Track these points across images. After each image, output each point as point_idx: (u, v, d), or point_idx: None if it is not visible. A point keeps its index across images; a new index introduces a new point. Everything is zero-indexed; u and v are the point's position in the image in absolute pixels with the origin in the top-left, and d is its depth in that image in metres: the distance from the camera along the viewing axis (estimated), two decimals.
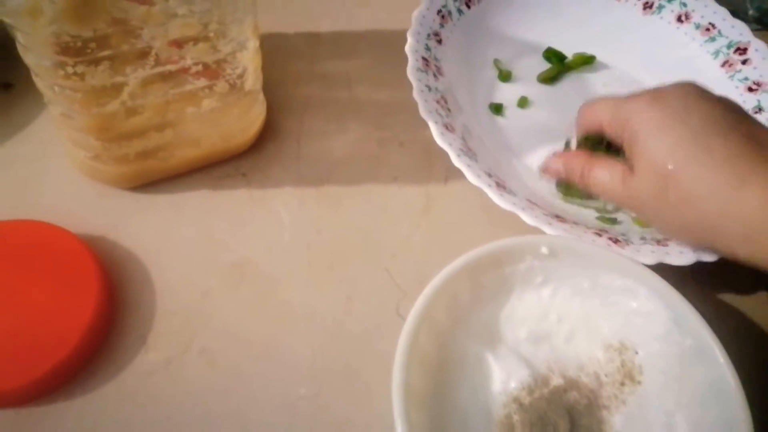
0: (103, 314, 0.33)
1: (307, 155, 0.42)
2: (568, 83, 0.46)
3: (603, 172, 0.35)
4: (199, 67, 0.33)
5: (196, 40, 0.31)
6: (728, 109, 0.34)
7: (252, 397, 0.33)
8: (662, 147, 0.32)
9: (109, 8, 0.27)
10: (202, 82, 0.34)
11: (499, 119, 0.44)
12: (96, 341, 0.33)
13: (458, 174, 0.37)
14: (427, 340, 0.31)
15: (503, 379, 0.32)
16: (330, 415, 0.33)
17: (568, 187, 0.39)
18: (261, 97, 0.39)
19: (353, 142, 0.43)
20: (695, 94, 0.34)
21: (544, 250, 0.33)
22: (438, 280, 0.31)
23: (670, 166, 0.32)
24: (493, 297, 0.34)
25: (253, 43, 0.35)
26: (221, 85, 0.35)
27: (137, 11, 0.28)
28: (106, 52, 0.29)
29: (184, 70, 0.33)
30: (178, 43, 0.31)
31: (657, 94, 0.34)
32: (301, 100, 0.44)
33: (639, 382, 0.33)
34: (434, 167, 0.42)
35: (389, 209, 0.40)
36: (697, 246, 0.35)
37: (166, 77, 0.33)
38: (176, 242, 0.37)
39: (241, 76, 0.35)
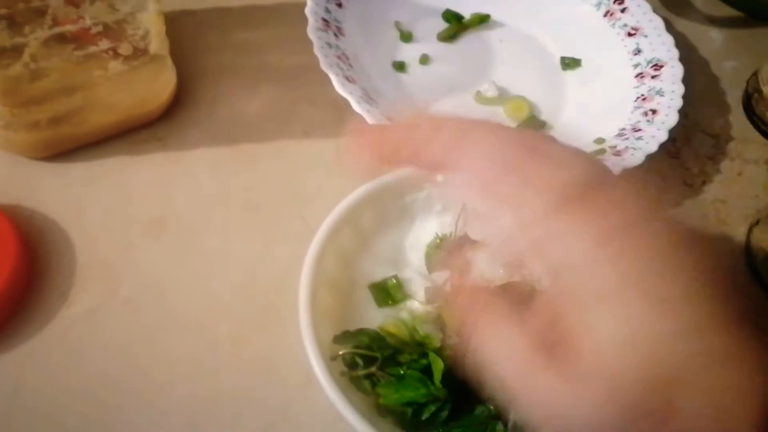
0: (21, 274, 0.34)
1: (221, 118, 0.43)
2: (467, 40, 0.50)
3: (504, 335, 0.20)
4: (99, 28, 0.34)
5: None
6: (696, 260, 0.19)
7: (175, 338, 0.35)
8: (636, 338, 0.18)
9: None
10: (105, 43, 0.35)
11: (402, 76, 0.47)
12: (15, 300, 0.34)
13: None
14: (334, 264, 0.33)
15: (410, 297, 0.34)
16: (251, 350, 0.35)
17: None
18: (169, 62, 0.41)
19: (265, 104, 0.45)
20: (667, 239, 0.19)
21: (440, 178, 0.35)
22: (340, 208, 0.33)
23: (658, 373, 0.18)
24: (397, 224, 0.36)
25: (153, 5, 0.36)
26: (125, 47, 0.36)
27: None
28: (1, 11, 0.30)
29: (85, 31, 0.34)
30: (75, 2, 0.32)
31: (611, 236, 0.19)
32: (214, 68, 0.46)
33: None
34: (344, 121, 0.44)
35: (302, 162, 0.42)
36: None
37: (68, 39, 0.34)
38: (95, 205, 0.39)
39: (143, 38, 0.37)
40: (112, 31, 0.35)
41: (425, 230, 0.37)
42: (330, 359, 0.29)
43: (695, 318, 0.18)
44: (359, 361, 0.30)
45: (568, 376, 0.18)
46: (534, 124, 0.45)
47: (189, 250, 0.37)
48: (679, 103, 0.43)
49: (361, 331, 0.31)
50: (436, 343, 0.30)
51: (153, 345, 0.34)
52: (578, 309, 0.18)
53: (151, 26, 0.37)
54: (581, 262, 0.18)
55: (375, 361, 0.29)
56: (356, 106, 0.39)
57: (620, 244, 0.18)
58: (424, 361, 0.30)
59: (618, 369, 0.18)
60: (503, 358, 0.20)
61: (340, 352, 0.30)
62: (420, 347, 0.31)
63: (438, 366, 0.29)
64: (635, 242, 0.19)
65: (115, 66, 0.37)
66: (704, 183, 0.45)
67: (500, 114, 0.46)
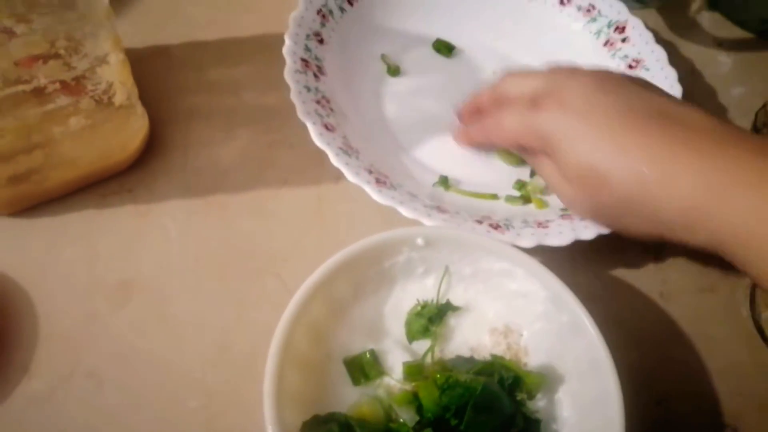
0: None
1: (194, 166, 0.41)
2: (459, 72, 0.47)
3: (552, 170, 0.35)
4: (57, 86, 0.32)
5: (45, 58, 0.31)
6: (629, 91, 0.33)
7: (142, 414, 0.33)
8: (582, 156, 0.32)
9: None
10: (64, 100, 0.33)
11: (388, 114, 0.44)
12: None
13: None
14: (304, 340, 0.31)
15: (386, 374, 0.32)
16: (221, 425, 0.33)
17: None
18: (139, 110, 0.39)
19: (242, 149, 0.42)
20: (594, 85, 0.34)
21: (420, 241, 0.33)
22: (312, 280, 0.31)
23: (593, 174, 0.32)
24: (376, 292, 0.34)
25: (116, 57, 0.34)
26: (86, 102, 0.34)
27: None
28: None
29: (40, 90, 0.32)
30: (26, 63, 0.30)
31: (559, 98, 0.34)
32: (188, 110, 0.43)
33: (525, 364, 0.34)
34: (326, 167, 0.41)
35: (280, 213, 0.40)
36: (650, 238, 0.33)
37: (22, 98, 0.32)
38: (60, 265, 0.37)
39: (107, 92, 0.35)
40: (70, 87, 0.33)
41: (406, 296, 0.34)
42: None
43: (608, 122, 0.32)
44: None
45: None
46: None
47: (157, 317, 0.35)
48: None
49: (331, 417, 0.29)
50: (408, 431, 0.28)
51: (118, 423, 0.32)
52: (558, 144, 0.33)
53: (114, 78, 0.35)
54: (548, 127, 0.34)
55: None
56: (334, 160, 0.36)
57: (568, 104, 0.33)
58: None
59: (581, 189, 0.33)
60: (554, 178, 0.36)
61: None
62: None
63: None
64: (575, 99, 0.34)
65: (76, 122, 0.34)
66: None
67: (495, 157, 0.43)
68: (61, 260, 0.37)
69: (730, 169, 0.29)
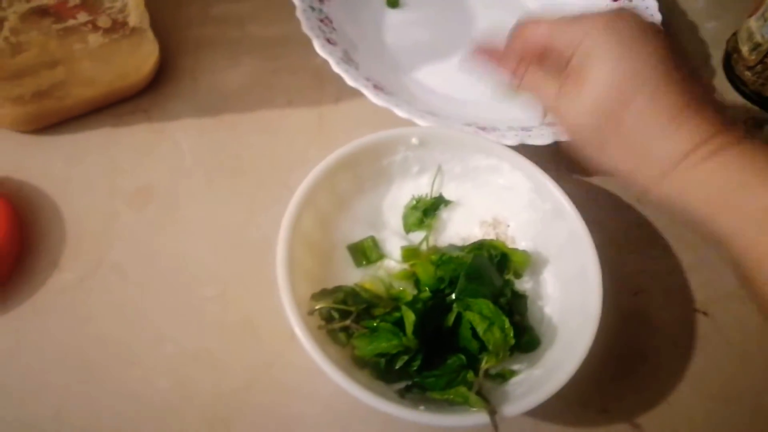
0: (11, 242, 0.35)
1: (203, 89, 0.44)
2: (453, 5, 0.50)
3: (541, 75, 0.35)
4: (77, 1, 0.35)
5: None
6: (667, 47, 0.33)
7: (162, 301, 0.36)
8: (618, 74, 0.32)
9: None
10: (84, 16, 0.36)
11: (386, 40, 0.47)
12: (7, 267, 0.35)
13: (349, 95, 0.41)
14: (312, 227, 0.34)
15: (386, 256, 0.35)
16: (236, 310, 0.36)
17: None
18: (150, 35, 0.41)
19: (248, 74, 0.45)
20: (643, 25, 0.33)
21: (414, 140, 0.36)
22: (316, 172, 0.34)
23: (622, 95, 0.32)
24: (375, 187, 0.37)
25: None
26: (103, 20, 0.37)
27: None
28: None
29: (62, 4, 0.35)
30: None
31: (610, 20, 0.33)
32: (196, 41, 0.46)
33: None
34: (326, 90, 0.45)
35: (285, 130, 0.43)
36: (614, 172, 0.33)
37: (46, 13, 0.35)
38: (81, 175, 0.40)
39: (122, 11, 0.37)
40: (90, 4, 0.36)
41: (402, 192, 0.38)
42: (307, 314, 0.31)
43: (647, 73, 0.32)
44: (335, 315, 0.31)
45: (575, 95, 0.33)
46: None
47: (174, 218, 0.39)
48: None
49: (338, 288, 0.32)
50: (409, 297, 0.32)
51: (141, 307, 0.36)
52: (587, 63, 0.32)
53: None
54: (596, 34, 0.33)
55: (350, 314, 0.31)
56: (335, 67, 0.39)
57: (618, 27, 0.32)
58: (397, 315, 0.31)
59: (599, 93, 0.32)
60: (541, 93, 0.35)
61: (317, 307, 0.31)
62: (394, 301, 0.32)
63: (409, 318, 0.30)
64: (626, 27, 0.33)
65: (94, 39, 0.37)
66: None
67: None
68: (82, 171, 0.40)
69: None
